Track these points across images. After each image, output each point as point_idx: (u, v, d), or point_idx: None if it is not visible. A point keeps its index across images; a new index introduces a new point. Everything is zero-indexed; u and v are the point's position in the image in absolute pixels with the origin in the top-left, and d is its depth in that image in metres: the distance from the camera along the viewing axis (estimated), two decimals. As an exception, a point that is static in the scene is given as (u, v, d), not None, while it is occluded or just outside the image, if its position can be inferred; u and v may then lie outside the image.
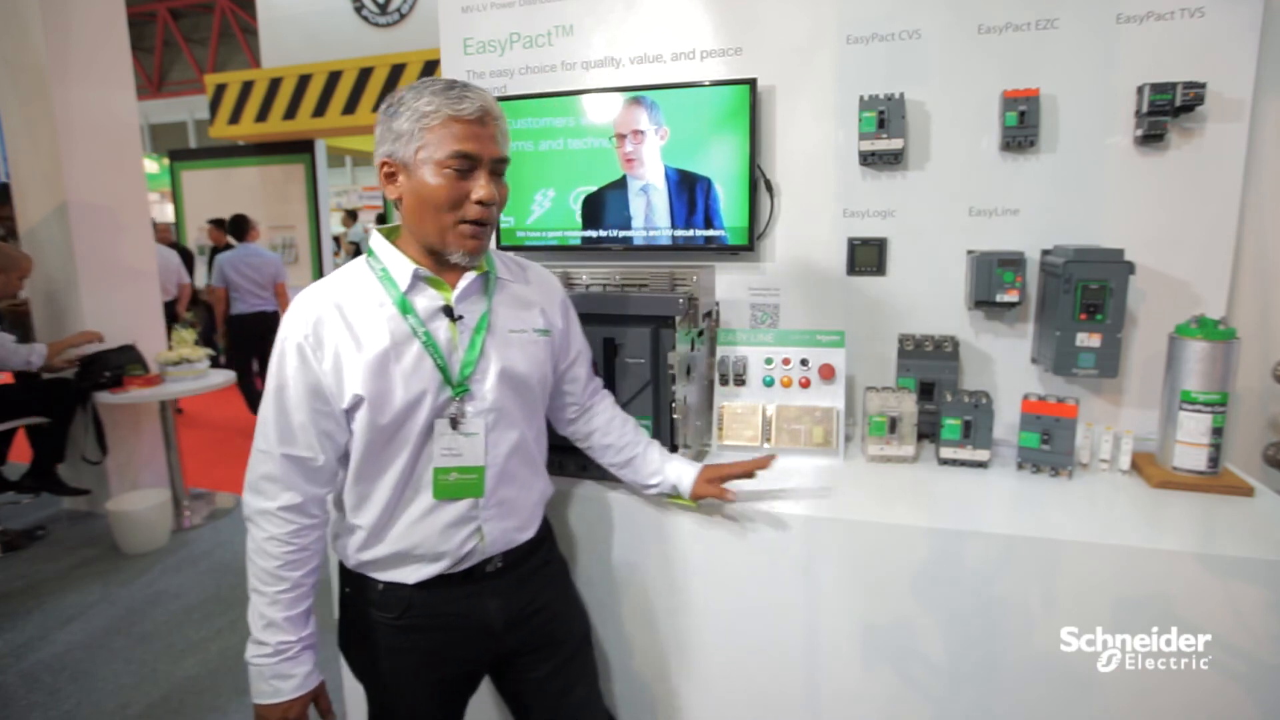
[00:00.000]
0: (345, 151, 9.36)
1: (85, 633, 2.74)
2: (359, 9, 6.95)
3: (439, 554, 1.15)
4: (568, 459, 1.56)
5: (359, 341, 1.08)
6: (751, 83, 1.74)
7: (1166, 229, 1.62)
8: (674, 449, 1.53)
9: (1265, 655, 1.18)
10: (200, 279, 6.90)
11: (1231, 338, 1.41)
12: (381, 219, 9.30)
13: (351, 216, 11.58)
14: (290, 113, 6.94)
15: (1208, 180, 1.58)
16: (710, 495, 1.35)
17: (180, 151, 9.18)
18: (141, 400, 3.60)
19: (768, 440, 1.68)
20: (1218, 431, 1.42)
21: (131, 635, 2.72)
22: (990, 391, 1.66)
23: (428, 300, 1.12)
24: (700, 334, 1.65)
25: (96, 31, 3.77)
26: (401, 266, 1.11)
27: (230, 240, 5.75)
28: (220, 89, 7.22)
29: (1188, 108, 1.53)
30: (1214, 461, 1.44)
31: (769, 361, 1.73)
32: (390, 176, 1.09)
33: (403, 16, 6.82)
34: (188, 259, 6.64)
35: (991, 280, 1.63)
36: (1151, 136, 1.57)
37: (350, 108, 6.61)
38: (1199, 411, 1.43)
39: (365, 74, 6.53)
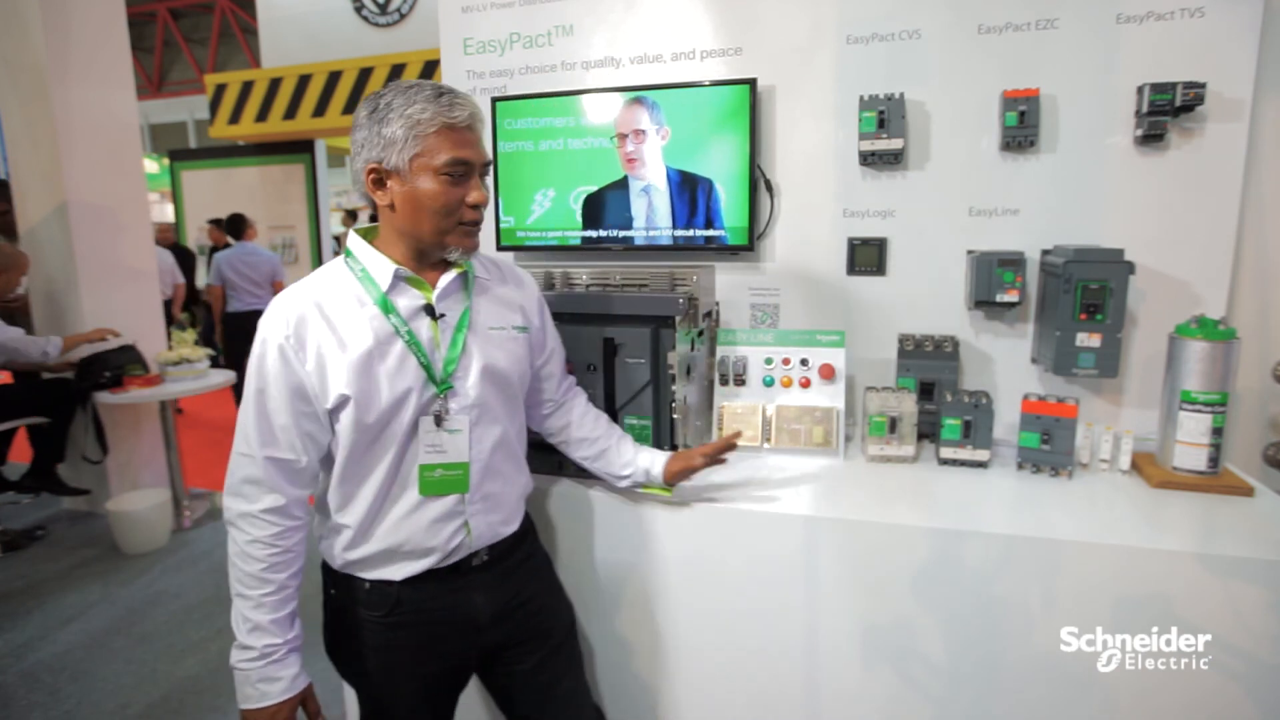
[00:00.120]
0: (345, 151, 9.34)
1: (85, 633, 2.74)
2: (359, 9, 6.95)
3: (427, 550, 1.16)
4: (568, 460, 1.56)
5: (342, 341, 1.08)
6: (751, 83, 1.74)
7: (1166, 229, 1.62)
8: (674, 449, 1.53)
9: (1265, 655, 1.18)
10: (201, 279, 6.91)
11: (1231, 338, 1.41)
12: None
13: (351, 216, 11.58)
14: (290, 113, 6.94)
15: (1208, 180, 1.58)
16: (681, 468, 1.37)
17: (180, 151, 9.18)
18: (141, 400, 3.60)
19: (768, 440, 1.68)
20: (1218, 431, 1.42)
21: (131, 635, 2.72)
22: (990, 391, 1.66)
23: (409, 300, 1.14)
24: (700, 334, 1.65)
25: (96, 31, 3.77)
26: (382, 266, 1.13)
27: (229, 239, 5.78)
28: (220, 89, 7.22)
29: (1188, 108, 1.53)
30: (1214, 461, 1.44)
31: (769, 361, 1.73)
32: (379, 182, 1.10)
33: (403, 16, 6.82)
34: (189, 259, 6.65)
35: (991, 280, 1.63)
36: (1151, 136, 1.57)
37: (350, 108, 6.61)
38: (1199, 411, 1.43)
39: (365, 74, 6.53)
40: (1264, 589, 1.16)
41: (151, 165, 10.88)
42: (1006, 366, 1.76)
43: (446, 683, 1.27)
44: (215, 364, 3.95)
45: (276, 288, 5.36)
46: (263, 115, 7.07)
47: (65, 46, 3.61)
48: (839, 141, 1.80)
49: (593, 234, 1.95)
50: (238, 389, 4.98)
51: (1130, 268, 1.49)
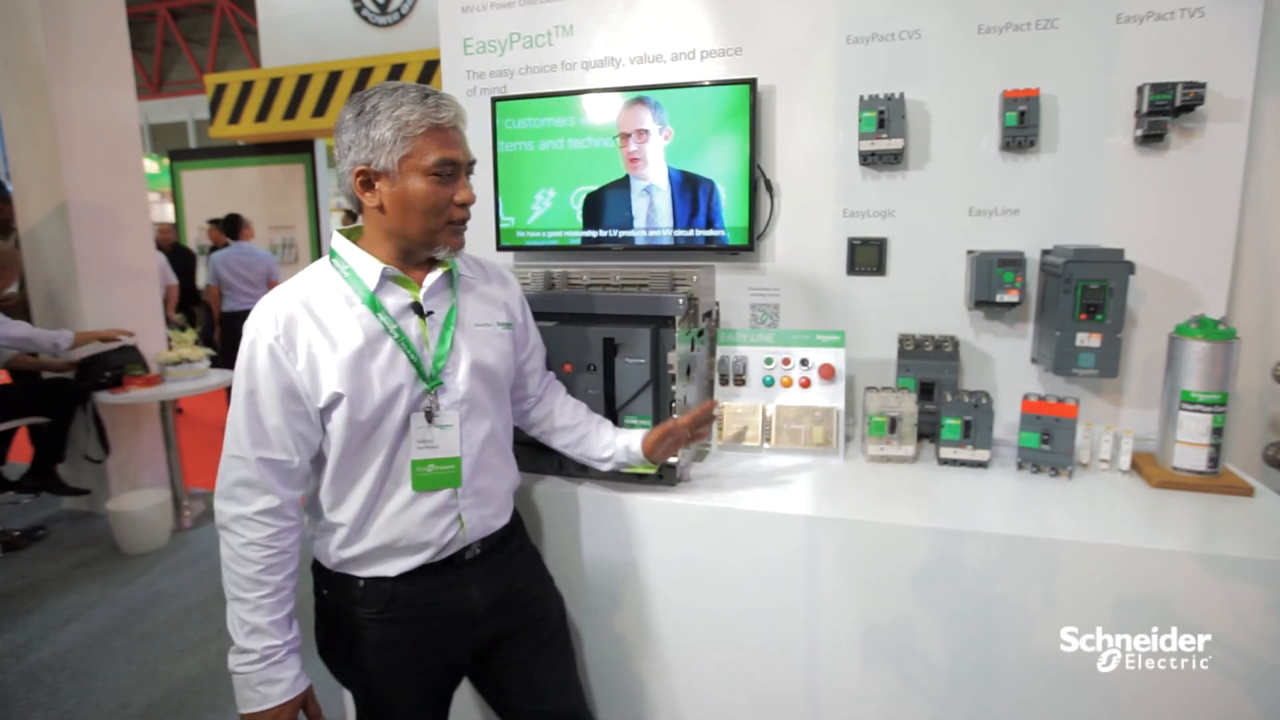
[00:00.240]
0: (345, 152, 9.33)
1: (85, 633, 2.74)
2: (359, 9, 6.95)
3: (422, 544, 1.17)
4: (567, 460, 1.56)
5: (332, 340, 1.09)
6: (751, 83, 1.74)
7: (1166, 229, 1.62)
8: (674, 449, 1.53)
9: (1265, 655, 1.18)
10: (203, 279, 6.92)
11: (1231, 338, 1.41)
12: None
13: (351, 216, 11.59)
14: (290, 113, 6.94)
15: (1208, 180, 1.58)
16: (660, 437, 1.39)
17: (180, 151, 9.18)
18: (141, 400, 3.60)
19: (768, 440, 1.68)
20: (1218, 431, 1.42)
21: (131, 635, 2.72)
22: (990, 391, 1.66)
23: (397, 298, 1.15)
24: (700, 334, 1.65)
25: (96, 31, 3.77)
26: (368, 266, 1.14)
27: (228, 240, 5.81)
28: (220, 89, 7.21)
29: (1188, 108, 1.53)
30: (1214, 461, 1.44)
31: (769, 361, 1.73)
32: (367, 184, 1.11)
33: (403, 16, 6.82)
34: (190, 259, 6.66)
35: (991, 280, 1.63)
36: (1151, 136, 1.57)
37: (350, 108, 6.59)
38: (1199, 411, 1.43)
39: (365, 74, 6.53)
40: (1264, 589, 1.16)
41: (151, 165, 10.88)
42: (1006, 366, 1.76)
43: (443, 680, 1.28)
44: (215, 364, 3.95)
45: (272, 287, 5.38)
46: (263, 115, 7.07)
47: (65, 46, 3.61)
48: (839, 141, 1.80)
49: (593, 234, 1.95)
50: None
51: (1130, 268, 1.49)
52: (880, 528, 1.33)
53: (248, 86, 7.10)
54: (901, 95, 1.69)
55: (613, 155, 1.89)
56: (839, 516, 1.36)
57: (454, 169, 1.12)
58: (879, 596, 1.35)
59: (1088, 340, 1.52)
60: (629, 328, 1.50)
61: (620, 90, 1.86)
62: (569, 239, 1.97)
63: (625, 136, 1.86)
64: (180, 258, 6.47)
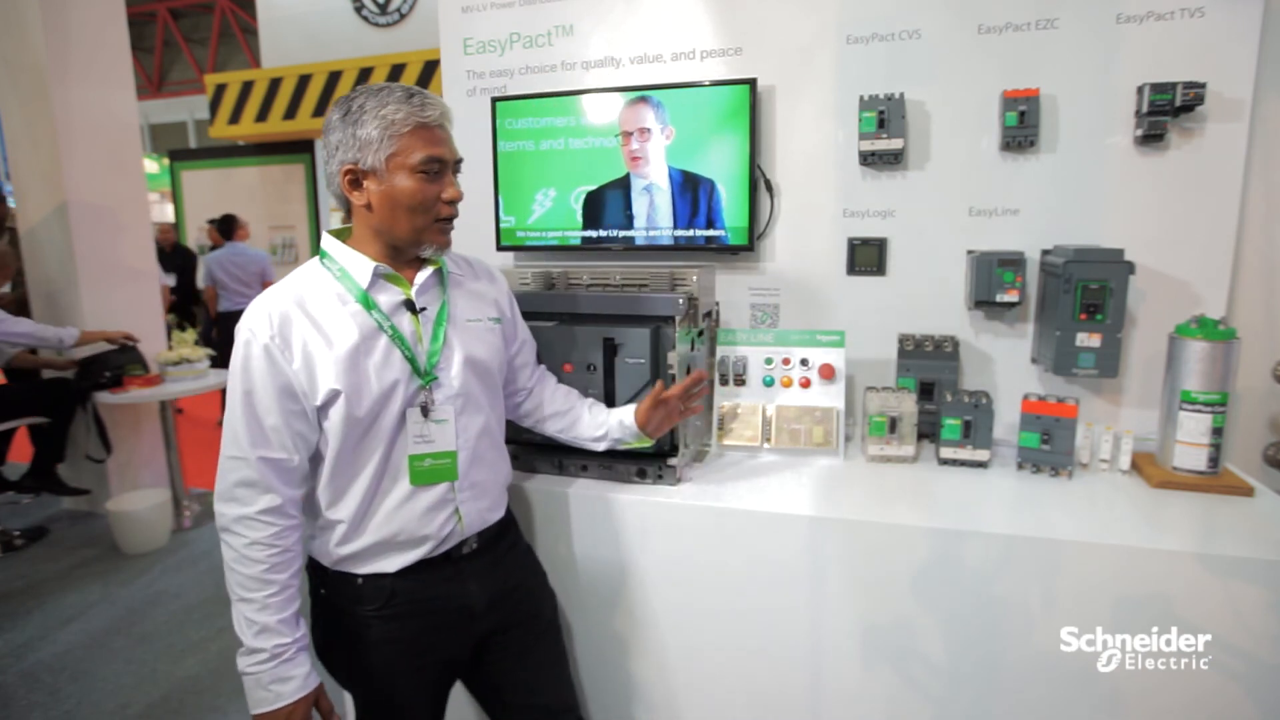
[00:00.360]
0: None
1: (85, 633, 2.74)
2: (359, 9, 6.94)
3: (421, 539, 1.18)
4: (568, 458, 1.57)
5: (328, 338, 1.10)
6: (751, 83, 1.74)
7: (1166, 229, 1.62)
8: (674, 450, 1.53)
9: (1265, 655, 1.18)
10: (203, 279, 6.94)
11: (1231, 338, 1.41)
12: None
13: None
14: (290, 113, 6.94)
15: (1208, 180, 1.58)
16: (651, 405, 1.40)
17: (180, 151, 9.19)
18: (141, 400, 3.60)
19: (768, 440, 1.68)
20: (1218, 431, 1.42)
21: (131, 635, 2.72)
22: (990, 391, 1.66)
23: (389, 296, 1.17)
24: (700, 334, 1.65)
25: (96, 31, 3.77)
26: (360, 265, 1.15)
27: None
28: (220, 89, 7.22)
29: (1188, 108, 1.53)
30: (1214, 461, 1.44)
31: (769, 361, 1.73)
32: (354, 183, 1.13)
33: (403, 16, 6.82)
34: (190, 259, 6.66)
35: (991, 280, 1.63)
36: (1151, 136, 1.57)
37: (350, 108, 6.59)
38: (1199, 411, 1.43)
39: (365, 74, 6.53)
40: (1264, 589, 1.16)
41: (151, 165, 10.87)
42: (1006, 366, 1.76)
43: (442, 676, 1.29)
44: (215, 364, 3.96)
45: (266, 287, 5.40)
46: (263, 115, 7.07)
47: (65, 46, 3.61)
48: (839, 141, 1.80)
49: (593, 234, 1.95)
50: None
51: (1130, 268, 1.49)
52: (880, 528, 1.33)
53: (248, 86, 7.10)
54: (901, 95, 1.69)
55: (613, 155, 1.89)
56: (839, 516, 1.36)
57: (441, 166, 1.13)
58: (879, 596, 1.35)
59: (1088, 340, 1.52)
60: (629, 328, 1.50)
61: (620, 90, 1.86)
62: (569, 239, 1.97)
63: (627, 135, 1.86)
64: (181, 257, 6.48)
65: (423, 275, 1.19)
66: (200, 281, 5.94)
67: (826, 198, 1.83)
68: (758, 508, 1.40)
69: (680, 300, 1.49)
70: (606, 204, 1.92)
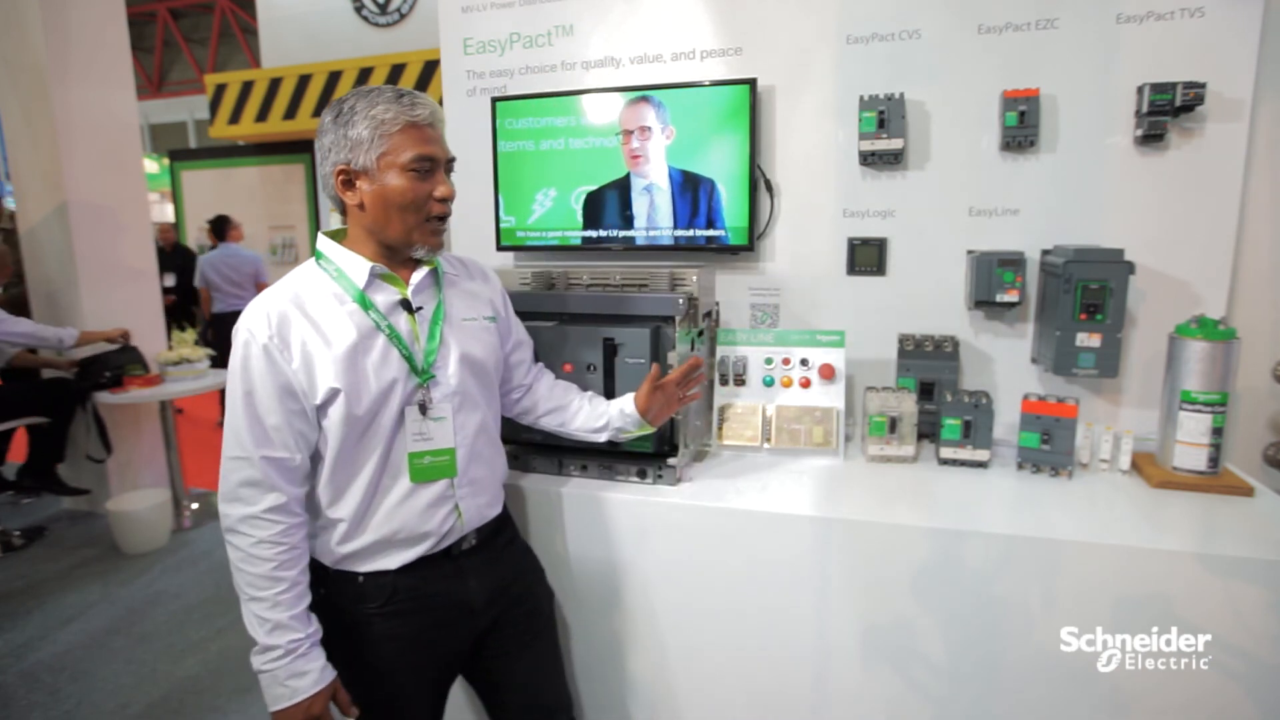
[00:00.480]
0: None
1: (85, 633, 2.74)
2: (359, 9, 6.94)
3: (422, 535, 1.19)
4: (568, 458, 1.57)
5: (326, 338, 1.11)
6: (751, 83, 1.74)
7: (1166, 229, 1.62)
8: (673, 449, 1.53)
9: (1265, 655, 1.18)
10: (196, 280, 6.94)
11: (1231, 338, 1.41)
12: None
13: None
14: (290, 113, 6.93)
15: (1208, 180, 1.58)
16: (650, 388, 1.40)
17: (180, 151, 9.18)
18: (141, 400, 3.60)
19: (768, 440, 1.68)
20: (1218, 431, 1.42)
21: (131, 635, 2.72)
22: (990, 391, 1.66)
23: (386, 295, 1.18)
24: (700, 334, 1.65)
25: (96, 31, 3.77)
26: (357, 265, 1.17)
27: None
28: (220, 89, 7.21)
29: (1188, 108, 1.53)
30: (1214, 461, 1.44)
31: (769, 361, 1.73)
32: (347, 183, 1.14)
33: (403, 16, 6.81)
34: (190, 259, 6.66)
35: (991, 280, 1.63)
36: (1151, 136, 1.57)
37: (350, 108, 6.58)
38: (1199, 411, 1.43)
39: (365, 74, 6.53)
40: (1264, 589, 1.16)
41: (151, 165, 10.87)
42: (1006, 366, 1.76)
43: (443, 674, 1.30)
44: (215, 364, 3.96)
45: (260, 288, 5.43)
46: (263, 115, 7.06)
47: (65, 46, 3.61)
48: (839, 141, 1.80)
49: (593, 234, 1.95)
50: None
51: (1130, 268, 1.49)
52: (880, 528, 1.33)
53: (248, 86, 7.10)
54: (901, 95, 1.69)
55: (614, 155, 1.88)
56: (839, 516, 1.36)
57: (431, 165, 1.14)
58: (879, 596, 1.35)
59: (1088, 340, 1.52)
60: (629, 328, 1.50)
61: (621, 90, 1.85)
62: (569, 239, 1.97)
63: (628, 134, 1.86)
64: (181, 257, 6.47)
65: (418, 275, 1.21)
66: (194, 283, 5.94)
67: (826, 198, 1.83)
68: (758, 508, 1.40)
69: (680, 300, 1.49)
70: (607, 204, 1.92)
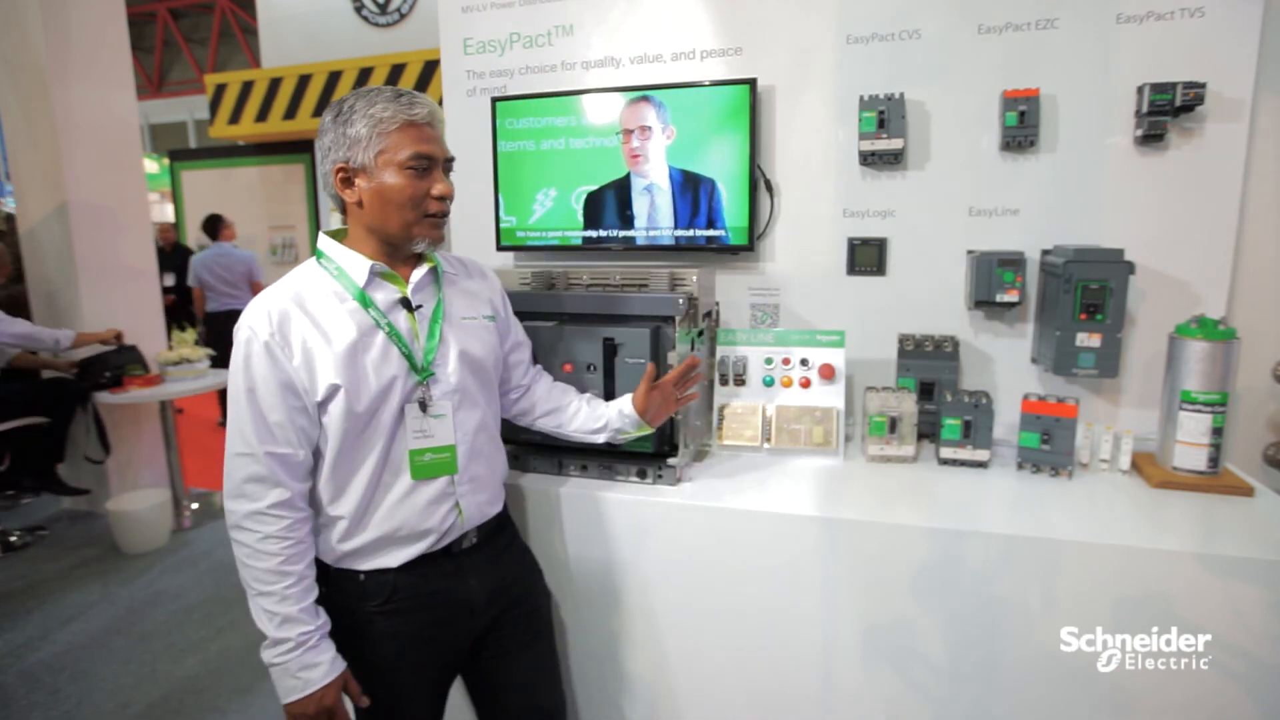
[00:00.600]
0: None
1: (85, 633, 2.74)
2: (359, 9, 6.94)
3: (423, 532, 1.19)
4: (568, 458, 1.57)
5: (326, 335, 1.12)
6: (751, 83, 1.74)
7: (1166, 229, 1.62)
8: (673, 449, 1.53)
9: (1265, 655, 1.18)
10: (189, 280, 6.94)
11: (1231, 338, 1.41)
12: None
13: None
14: (290, 113, 6.93)
15: (1208, 180, 1.58)
16: (647, 387, 1.40)
17: (180, 151, 9.17)
18: (141, 400, 3.60)
19: (768, 440, 1.68)
20: (1218, 431, 1.42)
21: (131, 635, 2.72)
22: (990, 391, 1.66)
23: (385, 294, 1.19)
24: (700, 334, 1.65)
25: (96, 31, 3.77)
26: (357, 263, 1.17)
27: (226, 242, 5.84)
28: (220, 89, 7.21)
29: (1188, 108, 1.53)
30: (1214, 461, 1.44)
31: (769, 361, 1.73)
32: (346, 181, 1.15)
33: (403, 16, 6.81)
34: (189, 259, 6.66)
35: (991, 280, 1.63)
36: (1151, 136, 1.57)
37: (350, 108, 6.58)
38: (1199, 411, 1.43)
39: (365, 74, 6.52)
40: (1264, 589, 1.16)
41: (151, 165, 10.86)
42: (1006, 366, 1.76)
43: (442, 673, 1.30)
44: (214, 364, 3.96)
45: (255, 288, 5.53)
46: (263, 115, 7.06)
47: (65, 46, 3.61)
48: (839, 141, 1.80)
49: (594, 234, 1.95)
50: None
51: (1130, 268, 1.49)
52: (880, 528, 1.33)
53: (248, 86, 7.10)
54: (901, 95, 1.69)
55: (614, 155, 1.88)
56: (839, 516, 1.36)
57: (429, 163, 1.15)
58: (879, 596, 1.35)
59: (1088, 340, 1.52)
60: (629, 328, 1.50)
61: (621, 90, 1.85)
62: (570, 239, 1.97)
63: (628, 133, 1.86)
64: (181, 257, 6.48)
65: (418, 273, 1.22)
66: (187, 282, 5.94)
67: (826, 198, 1.83)
68: (757, 508, 1.40)
69: (680, 300, 1.49)
70: (607, 204, 1.92)
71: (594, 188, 1.92)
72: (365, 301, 1.16)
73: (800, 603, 1.39)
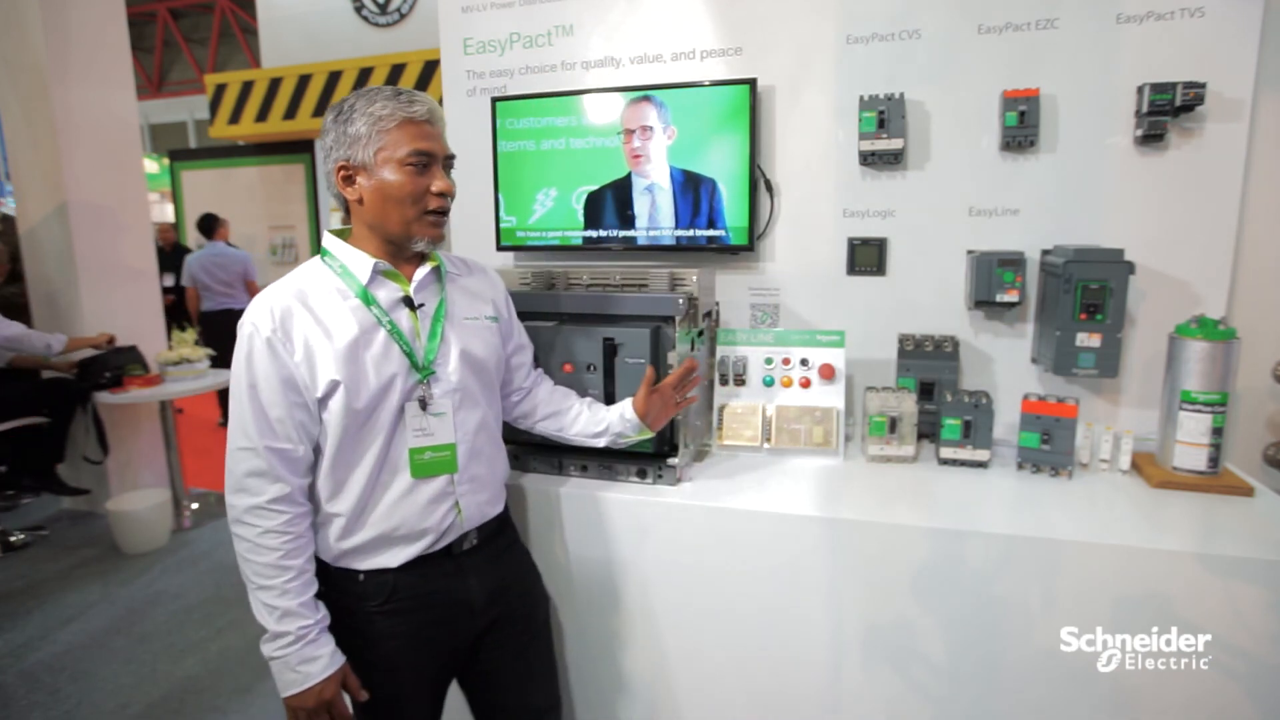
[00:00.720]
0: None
1: (85, 633, 2.74)
2: (359, 9, 6.94)
3: (422, 532, 1.19)
4: (568, 458, 1.57)
5: (328, 331, 1.13)
6: (751, 83, 1.74)
7: (1166, 229, 1.62)
8: (674, 449, 1.53)
9: (1265, 655, 1.18)
10: (184, 280, 6.93)
11: (1231, 338, 1.41)
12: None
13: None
14: (290, 113, 6.93)
15: (1208, 180, 1.58)
16: (647, 390, 1.41)
17: (180, 151, 9.18)
18: (141, 400, 3.60)
19: (768, 440, 1.68)
20: (1218, 431, 1.42)
21: (131, 635, 2.72)
22: (990, 391, 1.66)
23: (388, 292, 1.20)
24: (700, 334, 1.65)
25: (96, 31, 3.77)
26: (360, 261, 1.18)
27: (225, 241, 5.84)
28: (220, 89, 7.21)
29: (1188, 108, 1.53)
30: (1214, 461, 1.44)
31: (769, 361, 1.73)
32: (348, 179, 1.16)
33: (403, 16, 6.81)
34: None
35: (991, 280, 1.63)
36: (1151, 136, 1.57)
37: (350, 108, 6.59)
38: (1199, 411, 1.43)
39: (365, 74, 6.53)
40: (1264, 589, 1.16)
41: (151, 165, 10.86)
42: (1006, 366, 1.76)
43: (441, 673, 1.30)
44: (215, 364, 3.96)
45: (250, 287, 5.52)
46: (263, 115, 7.07)
47: (65, 46, 3.61)
48: (839, 141, 1.80)
49: (594, 234, 1.94)
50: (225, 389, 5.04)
51: (1130, 268, 1.49)
52: (880, 528, 1.33)
53: (248, 86, 7.10)
54: (901, 95, 1.69)
55: (615, 155, 1.88)
56: (839, 517, 1.36)
57: (429, 160, 1.16)
58: (879, 596, 1.35)
59: (1088, 340, 1.52)
60: (629, 328, 1.50)
61: (621, 90, 1.85)
62: (570, 239, 1.97)
63: (629, 133, 1.86)
64: (181, 257, 6.46)
65: (421, 272, 1.22)
66: (181, 282, 5.93)
67: (826, 198, 1.83)
68: (757, 508, 1.40)
69: (680, 300, 1.49)
70: (608, 203, 1.92)
71: (594, 188, 1.92)
72: (367, 299, 1.16)
73: (800, 603, 1.39)
